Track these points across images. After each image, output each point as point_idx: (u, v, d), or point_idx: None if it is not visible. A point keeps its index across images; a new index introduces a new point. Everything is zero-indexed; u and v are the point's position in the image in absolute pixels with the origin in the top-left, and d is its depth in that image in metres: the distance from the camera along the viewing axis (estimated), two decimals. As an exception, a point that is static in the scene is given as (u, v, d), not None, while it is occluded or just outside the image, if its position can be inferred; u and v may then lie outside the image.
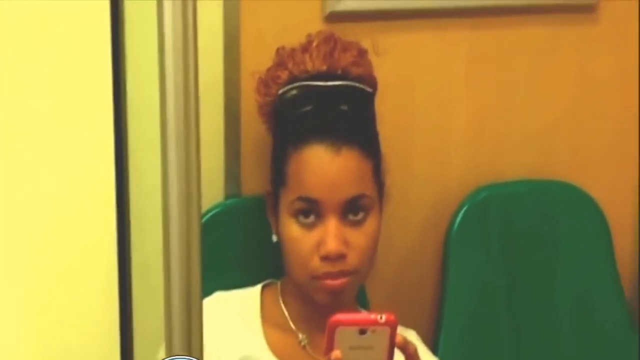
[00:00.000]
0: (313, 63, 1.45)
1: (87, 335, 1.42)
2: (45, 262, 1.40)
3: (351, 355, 1.15)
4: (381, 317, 1.15)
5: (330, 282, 1.38)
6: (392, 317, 1.16)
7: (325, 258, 1.37)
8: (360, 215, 1.39)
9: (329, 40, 1.47)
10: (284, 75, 1.45)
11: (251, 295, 1.48)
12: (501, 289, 1.70)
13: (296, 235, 1.39)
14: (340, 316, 1.16)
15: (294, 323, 1.46)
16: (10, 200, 1.37)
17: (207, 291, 1.46)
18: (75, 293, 1.42)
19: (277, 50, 1.48)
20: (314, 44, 1.46)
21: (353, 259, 1.38)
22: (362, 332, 1.15)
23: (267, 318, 1.46)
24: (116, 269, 1.42)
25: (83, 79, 1.37)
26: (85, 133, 1.38)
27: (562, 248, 1.73)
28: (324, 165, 1.38)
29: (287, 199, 1.41)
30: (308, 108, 1.42)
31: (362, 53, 1.48)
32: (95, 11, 1.36)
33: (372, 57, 1.50)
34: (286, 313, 1.47)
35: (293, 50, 1.47)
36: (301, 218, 1.39)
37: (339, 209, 1.38)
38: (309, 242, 1.39)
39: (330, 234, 1.37)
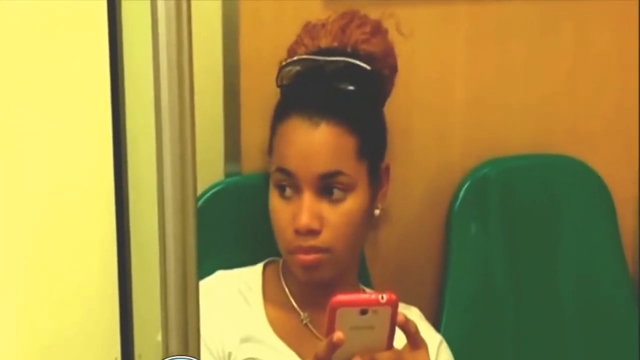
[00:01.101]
0: (326, 39, 1.45)
1: (87, 320, 1.43)
2: (44, 247, 1.40)
3: (352, 335, 1.15)
4: (382, 297, 1.14)
5: (301, 257, 1.38)
6: (393, 296, 1.15)
7: (297, 232, 1.37)
8: (338, 193, 1.38)
9: (345, 16, 1.47)
10: (300, 50, 1.46)
11: (253, 273, 1.48)
12: (503, 264, 1.69)
13: (276, 207, 1.40)
14: (341, 297, 1.15)
15: (295, 301, 1.46)
16: (11, 183, 1.37)
17: (208, 270, 1.47)
18: (74, 276, 1.42)
19: (304, 25, 1.49)
20: (331, 19, 1.47)
21: (327, 236, 1.38)
22: (364, 312, 1.14)
23: (269, 297, 1.46)
24: (115, 253, 1.42)
25: (80, 70, 1.37)
26: (83, 116, 1.38)
27: (564, 222, 1.72)
28: (300, 138, 1.38)
29: (271, 169, 1.42)
30: (298, 81, 1.42)
31: (376, 31, 1.48)
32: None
33: (395, 37, 1.49)
34: (287, 291, 1.46)
35: (314, 26, 1.48)
36: (281, 190, 1.39)
37: (315, 184, 1.37)
38: (286, 214, 1.39)
39: (303, 208, 1.37)
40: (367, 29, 1.46)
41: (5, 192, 1.37)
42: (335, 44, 1.45)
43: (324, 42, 1.45)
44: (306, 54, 1.45)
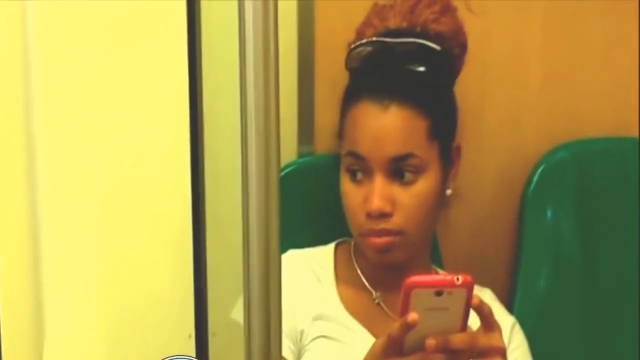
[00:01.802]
0: (395, 19, 1.45)
1: (161, 291, 1.44)
2: (118, 221, 1.41)
3: (427, 316, 1.14)
4: (458, 279, 1.14)
5: (373, 240, 1.38)
6: (469, 278, 1.14)
7: (369, 215, 1.37)
8: (409, 176, 1.38)
9: None
10: (369, 31, 1.46)
11: (325, 253, 1.49)
12: (578, 249, 1.68)
13: (348, 190, 1.40)
14: (416, 278, 1.15)
15: (367, 281, 1.46)
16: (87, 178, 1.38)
17: (282, 249, 1.47)
18: (149, 249, 1.43)
19: (372, 6, 1.48)
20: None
21: (399, 219, 1.37)
22: (439, 293, 1.14)
23: (341, 276, 1.47)
24: (190, 230, 1.43)
25: (158, 63, 1.38)
26: (160, 104, 1.39)
27: (640, 204, 1.70)
28: (371, 122, 1.38)
29: (342, 154, 1.42)
30: (368, 64, 1.42)
31: (446, 10, 1.47)
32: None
33: (463, 15, 1.48)
34: (359, 271, 1.47)
35: (383, 6, 1.47)
36: (352, 173, 1.40)
37: (387, 167, 1.37)
38: (357, 197, 1.39)
39: (375, 191, 1.36)
40: (437, 8, 1.45)
41: (86, 176, 1.39)
42: (405, 24, 1.44)
43: (392, 23, 1.45)
44: (375, 35, 1.44)
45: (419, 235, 1.41)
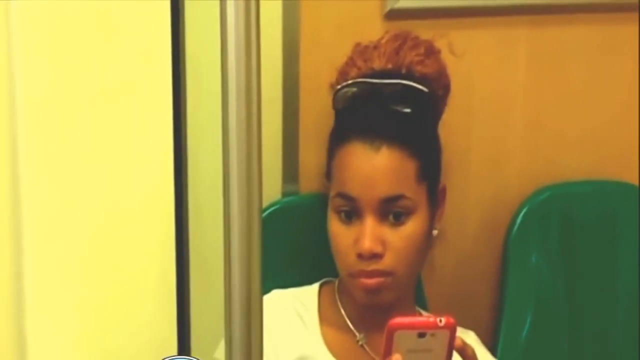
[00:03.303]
0: (380, 60, 1.45)
1: (145, 332, 1.43)
2: (102, 259, 1.40)
3: (410, 358, 1.14)
4: (440, 321, 1.14)
5: (364, 281, 1.38)
6: (452, 320, 1.15)
7: (360, 256, 1.37)
8: (399, 217, 1.38)
9: (399, 37, 1.47)
10: (353, 72, 1.46)
11: (309, 293, 1.49)
12: (561, 291, 1.68)
13: (337, 231, 1.40)
14: (399, 320, 1.15)
15: (351, 322, 1.46)
16: (69, 197, 1.38)
17: (264, 289, 1.46)
18: (132, 289, 1.42)
19: (353, 46, 1.49)
20: (383, 40, 1.46)
21: (389, 260, 1.37)
22: (421, 335, 1.14)
23: (325, 317, 1.46)
24: (174, 266, 1.43)
25: (143, 78, 1.38)
26: (144, 132, 1.39)
27: (624, 250, 1.70)
28: (362, 163, 1.38)
29: (331, 194, 1.41)
30: (356, 105, 1.42)
31: (430, 52, 1.47)
32: (156, 10, 1.37)
33: (447, 58, 1.49)
34: (343, 312, 1.46)
35: (365, 47, 1.48)
36: (342, 214, 1.39)
37: (377, 208, 1.37)
38: (347, 238, 1.39)
39: (366, 232, 1.36)
40: (421, 50, 1.46)
41: (63, 202, 1.38)
42: (389, 65, 1.45)
43: (377, 64, 1.45)
44: (359, 76, 1.45)
45: (407, 275, 1.41)
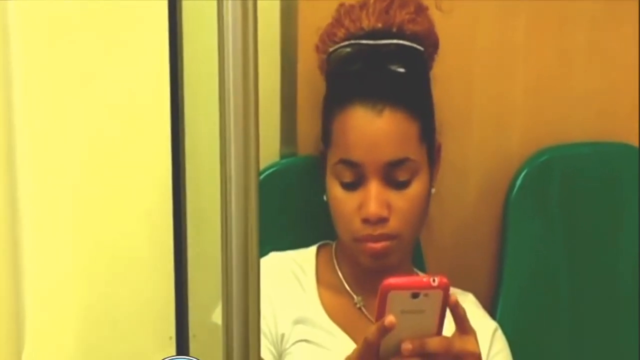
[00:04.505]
0: (369, 20, 1.42)
1: (142, 295, 1.43)
2: (100, 219, 1.40)
3: (403, 319, 1.14)
4: (434, 280, 1.13)
5: (371, 245, 1.37)
6: (445, 280, 1.14)
7: (366, 221, 1.36)
8: (404, 179, 1.37)
9: None
10: (340, 32, 1.43)
11: (307, 256, 1.48)
12: (561, 253, 1.67)
13: (339, 197, 1.39)
14: (393, 280, 1.14)
15: (349, 285, 1.45)
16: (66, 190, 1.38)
17: (262, 252, 1.45)
18: (129, 252, 1.42)
19: (338, 7, 1.46)
20: (372, 0, 1.44)
21: (395, 223, 1.37)
22: (415, 295, 1.13)
23: (322, 279, 1.46)
24: (171, 232, 1.43)
25: (140, 76, 1.37)
26: (142, 125, 1.38)
27: (626, 212, 1.69)
28: (365, 127, 1.36)
29: (331, 160, 1.40)
30: (354, 67, 1.40)
31: (420, 10, 1.45)
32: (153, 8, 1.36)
33: (435, 15, 1.47)
34: (341, 275, 1.46)
35: (352, 7, 1.45)
36: (344, 179, 1.38)
37: (381, 172, 1.36)
38: (351, 203, 1.37)
39: (371, 196, 1.35)
40: (411, 8, 1.44)
41: (67, 180, 1.38)
42: (379, 25, 1.42)
43: (366, 24, 1.42)
44: (347, 36, 1.42)
45: (411, 237, 1.41)
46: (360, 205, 1.37)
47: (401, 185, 1.37)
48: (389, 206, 1.36)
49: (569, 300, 1.68)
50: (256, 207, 0.79)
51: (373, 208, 1.35)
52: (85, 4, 1.32)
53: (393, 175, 1.36)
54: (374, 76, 1.39)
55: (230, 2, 0.78)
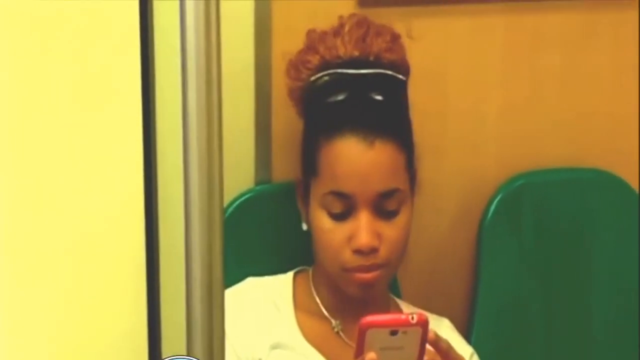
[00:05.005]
0: (345, 48, 1.42)
1: (114, 330, 1.42)
2: (72, 261, 1.39)
3: (382, 355, 1.14)
4: (413, 318, 1.14)
5: (361, 276, 1.37)
6: (424, 317, 1.14)
7: (358, 252, 1.36)
8: (393, 209, 1.37)
9: (362, 24, 1.44)
10: (315, 59, 1.43)
11: (283, 282, 1.48)
12: (535, 278, 1.68)
13: (327, 227, 1.38)
14: (371, 318, 1.14)
15: (326, 309, 1.45)
16: (35, 195, 1.36)
17: (238, 277, 1.47)
18: (102, 285, 1.41)
19: (308, 33, 1.46)
20: (346, 28, 1.43)
21: (385, 252, 1.37)
22: (394, 333, 1.14)
23: (300, 305, 1.46)
24: (144, 262, 1.42)
25: (110, 76, 1.36)
26: (112, 130, 1.37)
27: (599, 238, 1.70)
28: (357, 159, 1.36)
29: (319, 191, 1.39)
30: (340, 97, 1.39)
31: (395, 38, 1.45)
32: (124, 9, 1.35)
33: (406, 42, 1.48)
34: (318, 300, 1.46)
35: (324, 33, 1.44)
36: (333, 210, 1.37)
37: (372, 202, 1.36)
38: (340, 234, 1.37)
39: (363, 228, 1.35)
40: (388, 37, 1.44)
41: (31, 201, 1.37)
42: (356, 53, 1.42)
43: (342, 52, 1.42)
44: (323, 63, 1.42)
45: (399, 265, 1.42)
46: (350, 236, 1.37)
47: (390, 215, 1.37)
48: (379, 236, 1.37)
49: (542, 325, 1.68)
50: (220, 237, 0.79)
51: (365, 239, 1.35)
52: (53, 5, 1.31)
53: (383, 205, 1.37)
54: (362, 106, 1.39)
55: (192, 22, 0.78)
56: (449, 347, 1.20)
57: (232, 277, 1.46)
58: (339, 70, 1.41)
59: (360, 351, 1.14)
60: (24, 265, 1.38)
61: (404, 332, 1.14)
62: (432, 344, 1.17)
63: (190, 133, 0.77)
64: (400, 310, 1.49)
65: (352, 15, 1.46)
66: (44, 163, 1.35)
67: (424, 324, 1.14)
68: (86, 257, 1.40)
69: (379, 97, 1.39)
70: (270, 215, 1.57)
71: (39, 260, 1.39)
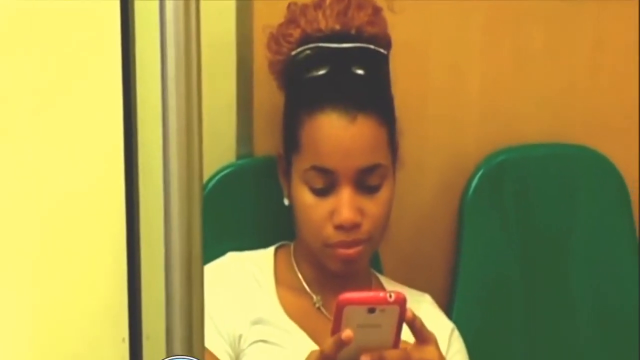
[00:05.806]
0: (326, 21, 1.41)
1: (94, 296, 1.42)
2: (53, 219, 1.39)
3: (359, 333, 1.14)
4: (390, 296, 1.14)
5: (343, 251, 1.37)
6: (402, 295, 1.14)
7: (340, 227, 1.36)
8: (375, 184, 1.37)
9: None
10: (296, 33, 1.42)
11: (265, 257, 1.48)
12: (516, 253, 1.68)
13: (309, 203, 1.38)
14: (349, 295, 1.14)
15: (308, 285, 1.45)
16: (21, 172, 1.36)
17: (220, 252, 1.47)
18: (82, 251, 1.41)
19: (289, 5, 1.45)
20: (328, 1, 1.43)
21: (367, 227, 1.37)
22: (371, 310, 1.14)
23: (281, 280, 1.45)
24: (124, 232, 1.41)
25: (91, 70, 1.35)
26: (93, 110, 1.37)
27: (580, 213, 1.70)
28: (339, 134, 1.35)
29: (300, 166, 1.39)
30: (322, 72, 1.39)
31: (377, 11, 1.45)
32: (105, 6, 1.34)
33: (387, 16, 1.47)
34: (300, 275, 1.46)
35: (306, 6, 1.43)
36: (315, 186, 1.37)
37: (354, 178, 1.36)
38: (322, 210, 1.37)
39: (345, 203, 1.35)
40: (369, 10, 1.43)
41: (17, 181, 1.36)
42: (337, 26, 1.41)
43: (323, 25, 1.41)
44: (304, 37, 1.41)
45: (380, 240, 1.42)
46: (332, 211, 1.36)
47: (372, 190, 1.37)
48: (361, 211, 1.36)
49: (523, 300, 1.69)
50: (199, 210, 0.78)
51: (347, 214, 1.35)
52: (35, 4, 1.30)
53: (365, 180, 1.36)
54: (344, 81, 1.38)
55: (171, 2, 0.77)
56: (423, 326, 1.20)
57: (214, 252, 1.46)
58: (320, 44, 1.40)
59: (337, 328, 1.14)
60: (5, 243, 1.38)
61: (382, 310, 1.14)
62: (407, 323, 1.17)
63: (170, 107, 0.76)
64: (381, 286, 1.49)
65: None
66: (24, 141, 1.35)
67: (401, 303, 1.14)
68: (66, 232, 1.40)
69: (360, 72, 1.38)
70: (252, 189, 1.57)
71: (19, 235, 1.39)
